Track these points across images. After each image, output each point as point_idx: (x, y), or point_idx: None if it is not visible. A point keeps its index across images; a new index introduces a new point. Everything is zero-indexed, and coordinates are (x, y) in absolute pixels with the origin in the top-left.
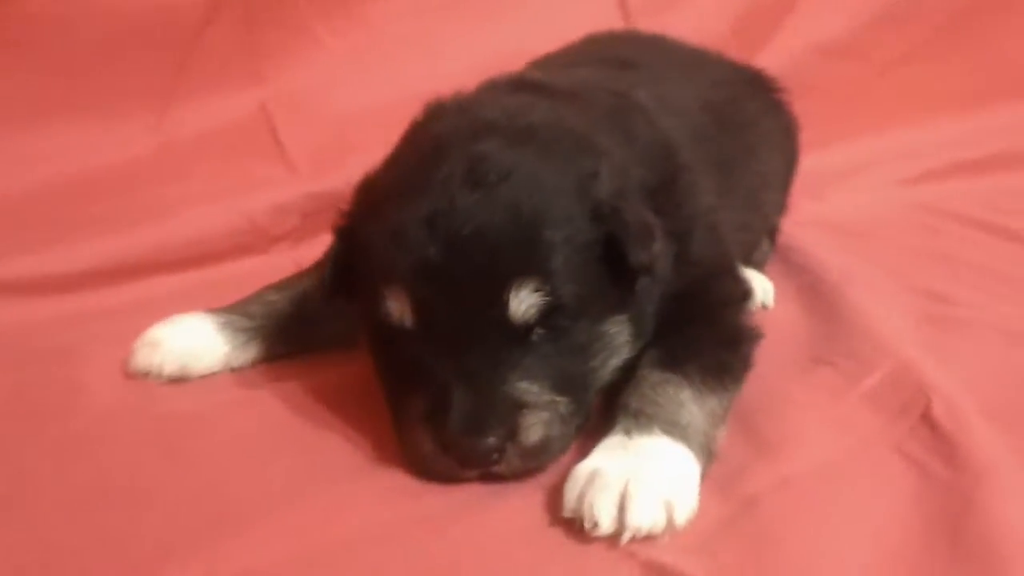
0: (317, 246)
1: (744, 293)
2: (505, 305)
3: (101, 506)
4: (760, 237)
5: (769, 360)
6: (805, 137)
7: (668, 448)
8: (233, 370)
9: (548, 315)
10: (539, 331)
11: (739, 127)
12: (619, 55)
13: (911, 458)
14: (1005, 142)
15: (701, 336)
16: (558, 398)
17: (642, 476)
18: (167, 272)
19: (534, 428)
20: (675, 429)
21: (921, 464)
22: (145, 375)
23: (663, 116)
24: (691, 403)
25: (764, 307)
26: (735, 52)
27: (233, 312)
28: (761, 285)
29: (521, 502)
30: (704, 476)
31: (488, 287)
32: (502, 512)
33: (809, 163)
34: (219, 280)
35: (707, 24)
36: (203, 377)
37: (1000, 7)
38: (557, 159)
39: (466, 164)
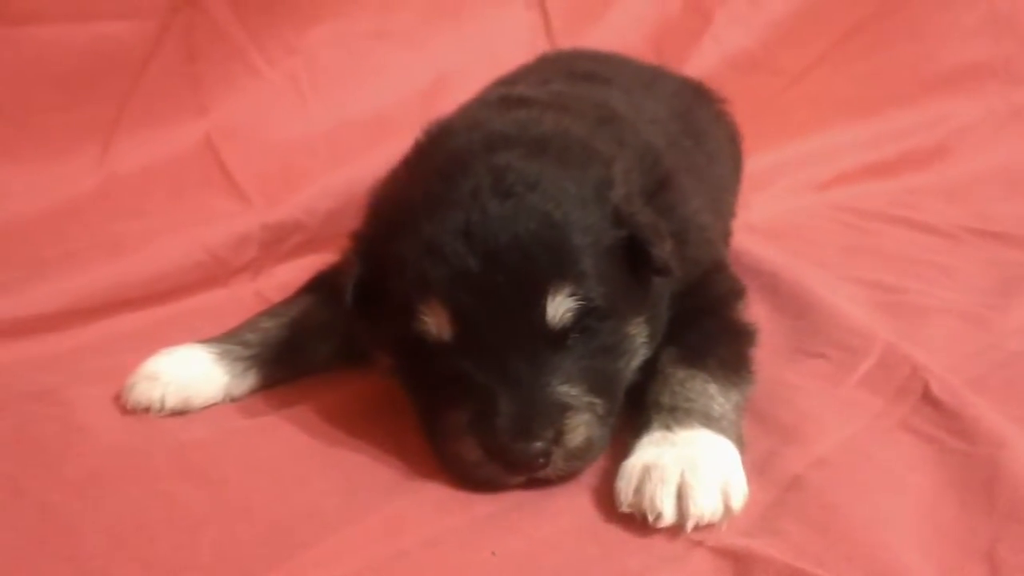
0: (278, 275)
1: (740, 289)
2: (543, 311)
3: (146, 539)
4: (724, 240)
5: (760, 355)
6: None
7: (711, 439)
8: (233, 399)
9: (582, 318)
10: (574, 335)
11: (699, 135)
12: (585, 70)
13: (921, 434)
14: (904, 144)
15: (712, 332)
16: (595, 399)
17: (697, 466)
18: (131, 309)
19: (579, 430)
20: (711, 421)
21: (933, 438)
22: (145, 409)
23: (643, 124)
24: (719, 396)
25: None
26: None
27: (228, 341)
28: None
29: (569, 502)
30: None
31: (526, 294)
32: (555, 512)
33: None
34: (184, 313)
35: (626, 41)
36: (203, 409)
37: (891, 18)
38: (573, 167)
39: (491, 175)
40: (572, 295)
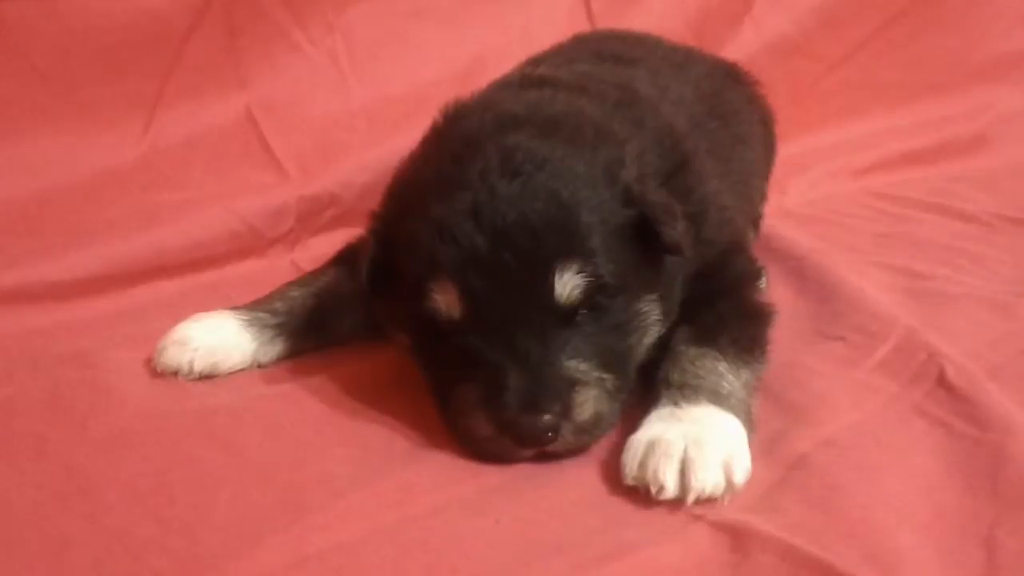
0: (313, 247)
1: (757, 271)
2: (551, 288)
3: (166, 498)
4: (749, 223)
5: (779, 337)
6: None
7: (718, 416)
8: (260, 366)
9: (590, 295)
10: (583, 311)
11: (727, 117)
12: (613, 51)
13: (932, 418)
14: (946, 132)
15: (727, 312)
16: (604, 375)
17: (700, 441)
18: (167, 276)
19: (587, 404)
20: (719, 398)
21: (944, 423)
22: (174, 373)
23: (665, 106)
24: (729, 374)
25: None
26: None
27: (257, 309)
28: None
29: (577, 474)
30: (749, 444)
31: (534, 272)
32: (563, 485)
33: None
34: (220, 282)
35: (665, 25)
36: (230, 374)
37: (934, 6)
38: (584, 147)
39: (500, 156)
40: (580, 272)
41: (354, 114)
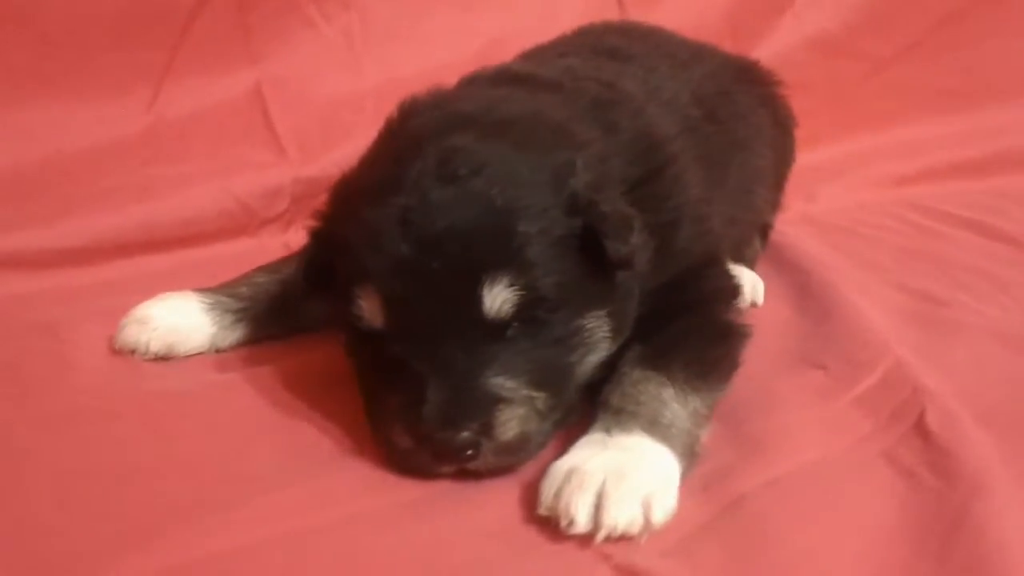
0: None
1: (732, 288)
2: (479, 301)
3: (86, 482)
4: (751, 233)
5: (758, 359)
6: (797, 135)
7: (648, 447)
8: (219, 351)
9: (525, 309)
10: (515, 325)
11: (730, 120)
12: (611, 46)
13: (900, 466)
14: (1000, 144)
15: (686, 332)
16: (535, 393)
17: (621, 474)
18: (156, 251)
19: (511, 424)
20: (656, 428)
21: (911, 472)
22: (132, 352)
23: (652, 107)
24: (673, 402)
25: (754, 305)
26: (729, 45)
27: (221, 293)
28: (751, 282)
29: (498, 496)
30: (687, 476)
31: (461, 283)
32: (478, 506)
33: (801, 161)
34: (208, 260)
35: (702, 16)
36: (188, 356)
37: (991, 8)
38: (532, 151)
39: (438, 159)
40: (512, 285)
41: (363, 95)
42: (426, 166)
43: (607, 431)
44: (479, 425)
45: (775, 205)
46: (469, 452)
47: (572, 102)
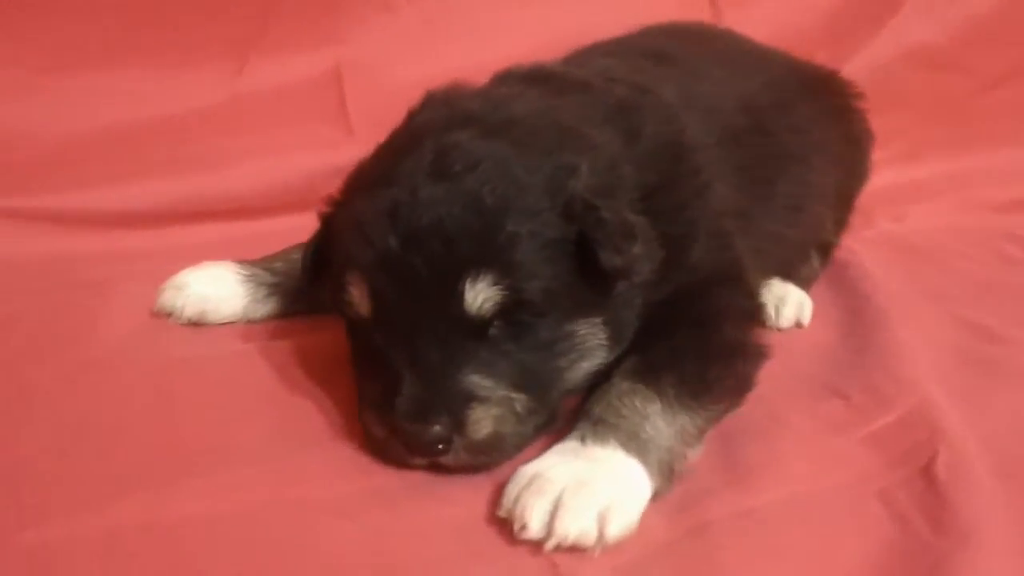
0: None
1: (750, 307)
2: (461, 297)
3: (79, 433)
4: (805, 252)
5: (779, 382)
6: (891, 151)
7: (619, 461)
8: (250, 321)
9: (508, 310)
10: (498, 325)
11: (783, 132)
12: (660, 49)
13: (894, 508)
14: None
15: (687, 348)
16: (515, 395)
17: (583, 484)
18: (217, 220)
19: (483, 422)
20: (633, 442)
21: (903, 517)
22: (168, 315)
23: (687, 114)
24: (657, 417)
25: (798, 325)
26: (825, 52)
27: (258, 266)
28: (797, 302)
29: (468, 493)
30: (663, 494)
31: (444, 278)
32: (446, 501)
33: (892, 178)
34: (267, 233)
35: (799, 21)
36: (221, 325)
37: None
38: (533, 152)
39: (434, 154)
40: (495, 284)
41: (436, 81)
42: (421, 161)
43: (582, 440)
44: (450, 421)
45: (839, 223)
46: (440, 447)
47: (594, 104)
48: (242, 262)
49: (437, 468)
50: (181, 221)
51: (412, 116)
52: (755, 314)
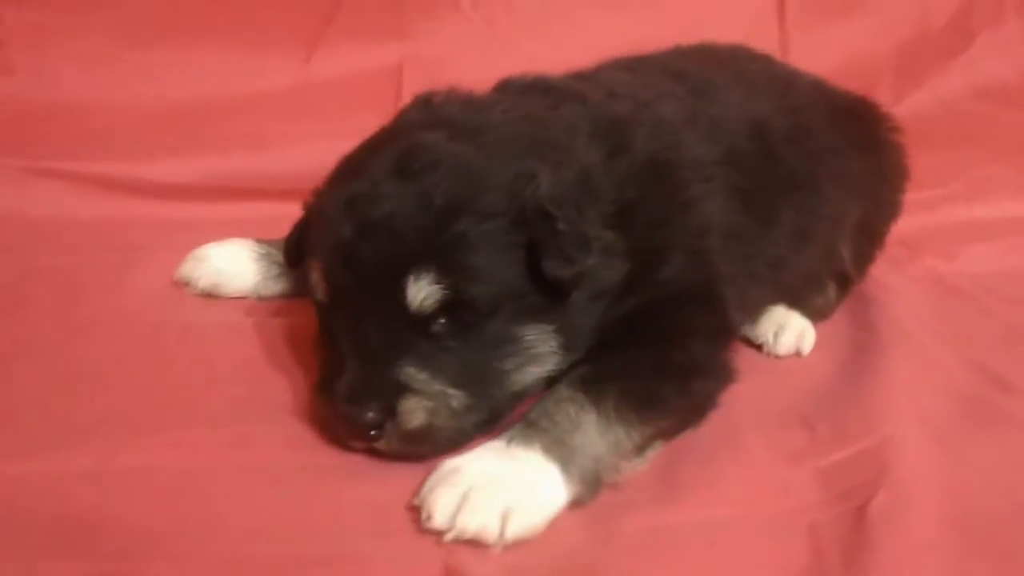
0: None
1: (719, 327)
2: (404, 291)
3: (66, 383)
4: (818, 282)
5: (753, 406)
6: (951, 188)
7: (535, 464)
8: (260, 298)
9: (452, 308)
10: (443, 322)
11: (798, 159)
12: (681, 68)
13: (816, 544)
14: None
15: (641, 362)
16: (452, 391)
17: (491, 482)
18: (263, 199)
19: (415, 413)
20: (558, 448)
21: (821, 554)
22: (185, 284)
23: (688, 133)
24: (590, 427)
25: (798, 354)
26: (889, 84)
27: (274, 245)
28: (798, 330)
29: (399, 479)
30: (585, 503)
31: (390, 271)
32: (376, 482)
33: (948, 215)
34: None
35: (867, 49)
36: (231, 298)
37: None
38: (498, 157)
39: (402, 152)
40: (438, 283)
41: (492, 82)
42: (387, 158)
43: (509, 440)
44: (382, 408)
45: (862, 257)
46: (372, 432)
47: (584, 117)
48: (261, 241)
49: (375, 453)
50: (228, 197)
51: (399, 115)
52: (723, 335)
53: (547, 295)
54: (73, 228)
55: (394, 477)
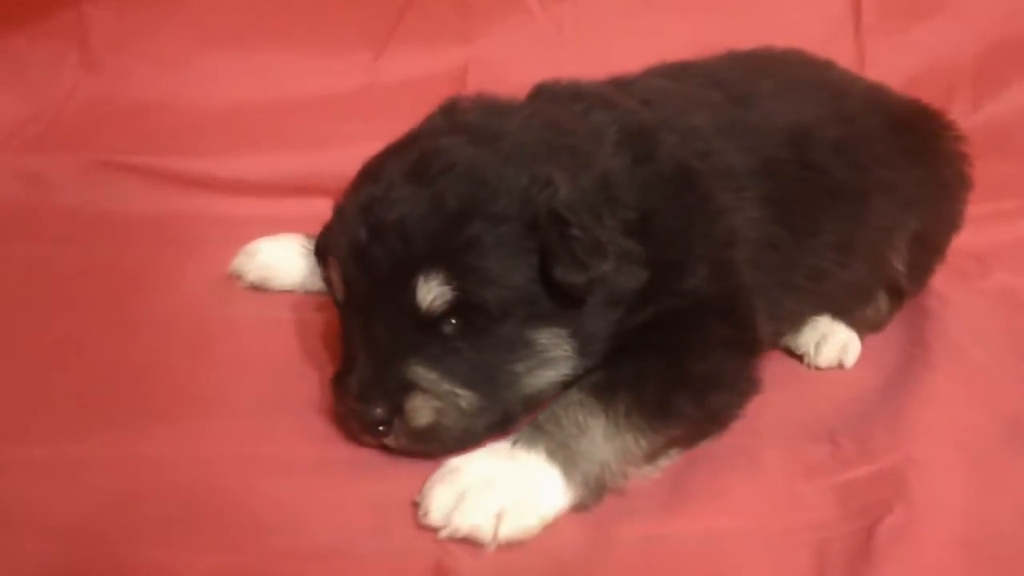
0: None
1: (741, 339)
2: (413, 292)
3: (101, 369)
4: (866, 294)
5: (782, 419)
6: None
7: (536, 466)
8: (307, 292)
9: (463, 310)
10: (455, 323)
11: (842, 168)
12: (723, 75)
13: (822, 562)
14: None
15: (656, 370)
16: (461, 391)
17: (489, 482)
18: (326, 197)
19: (422, 411)
20: (561, 452)
21: (823, 571)
22: (237, 278)
23: (721, 142)
24: (598, 432)
25: (840, 366)
26: (969, 88)
27: None
28: (841, 343)
29: (407, 475)
30: (589, 508)
31: (401, 273)
32: (384, 478)
33: None
34: None
35: (948, 55)
36: (279, 292)
37: None
38: (515, 162)
39: (419, 156)
40: (447, 284)
41: None
42: (404, 162)
43: (514, 442)
44: (390, 405)
45: (918, 270)
46: (381, 428)
47: (612, 124)
48: (311, 236)
49: (387, 449)
50: (292, 194)
51: (424, 121)
52: (746, 346)
53: (560, 300)
54: (138, 222)
55: (403, 473)
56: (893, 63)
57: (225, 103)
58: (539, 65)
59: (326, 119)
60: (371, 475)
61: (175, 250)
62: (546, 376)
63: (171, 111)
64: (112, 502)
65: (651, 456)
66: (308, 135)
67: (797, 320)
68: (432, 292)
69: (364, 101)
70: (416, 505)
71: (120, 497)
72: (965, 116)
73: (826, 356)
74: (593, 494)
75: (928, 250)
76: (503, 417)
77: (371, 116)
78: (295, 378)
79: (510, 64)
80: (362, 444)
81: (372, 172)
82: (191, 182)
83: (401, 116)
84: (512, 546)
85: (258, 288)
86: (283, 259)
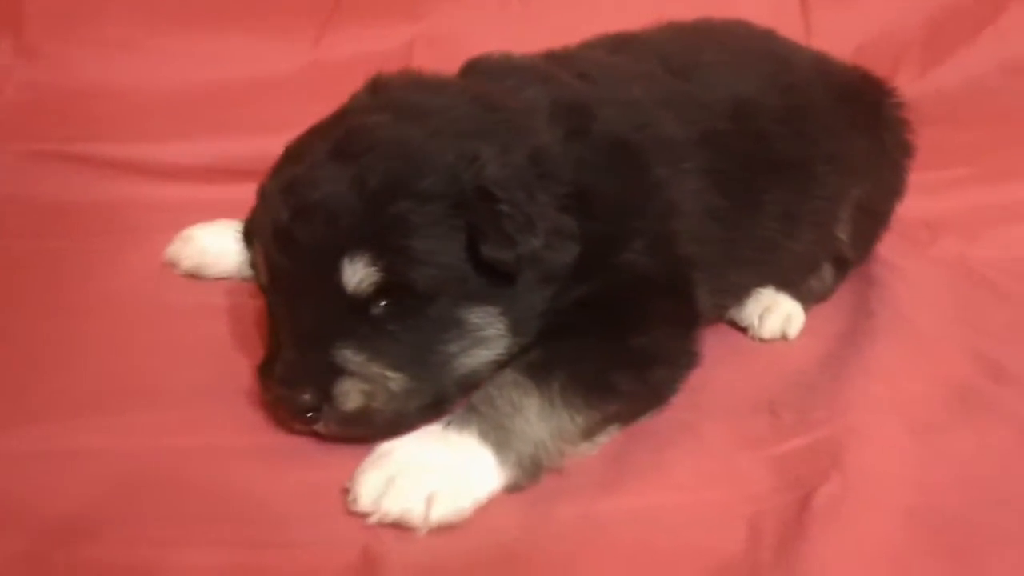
0: None
1: (680, 313)
2: (339, 274)
3: (33, 361)
4: (812, 264)
5: (724, 393)
6: (978, 167)
7: (468, 448)
8: (244, 279)
9: (391, 291)
10: (382, 305)
11: (786, 138)
12: (667, 46)
13: (755, 532)
14: None
15: (593, 346)
16: (391, 373)
17: (419, 466)
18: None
19: (350, 395)
20: (495, 433)
21: (757, 542)
22: (172, 265)
23: (660, 113)
24: (532, 411)
25: (784, 338)
26: (917, 56)
27: None
28: (785, 314)
29: (343, 461)
30: (523, 488)
31: (326, 255)
32: (318, 465)
33: (975, 197)
34: None
35: (895, 23)
36: (217, 279)
37: None
38: (442, 139)
39: (343, 134)
40: (373, 265)
41: None
42: (329, 140)
43: (446, 424)
44: (318, 391)
45: (862, 239)
46: (309, 415)
47: (546, 98)
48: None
49: (319, 435)
50: (234, 179)
51: (350, 99)
52: (686, 320)
53: (491, 278)
54: (77, 210)
55: (336, 460)
56: (840, 32)
57: (165, 88)
58: (487, 42)
59: (269, 101)
60: (303, 462)
61: (114, 238)
62: (479, 356)
63: (109, 97)
64: (39, 498)
65: (588, 433)
66: (250, 118)
67: (741, 292)
68: (358, 274)
69: (307, 82)
70: (347, 491)
71: (47, 492)
72: (913, 84)
73: (770, 328)
74: (528, 474)
75: (871, 218)
76: (436, 399)
77: (314, 97)
78: (229, 366)
79: (458, 41)
80: (294, 431)
81: (296, 152)
82: (131, 168)
83: (344, 97)
84: (444, 529)
85: (194, 275)
86: (219, 245)
